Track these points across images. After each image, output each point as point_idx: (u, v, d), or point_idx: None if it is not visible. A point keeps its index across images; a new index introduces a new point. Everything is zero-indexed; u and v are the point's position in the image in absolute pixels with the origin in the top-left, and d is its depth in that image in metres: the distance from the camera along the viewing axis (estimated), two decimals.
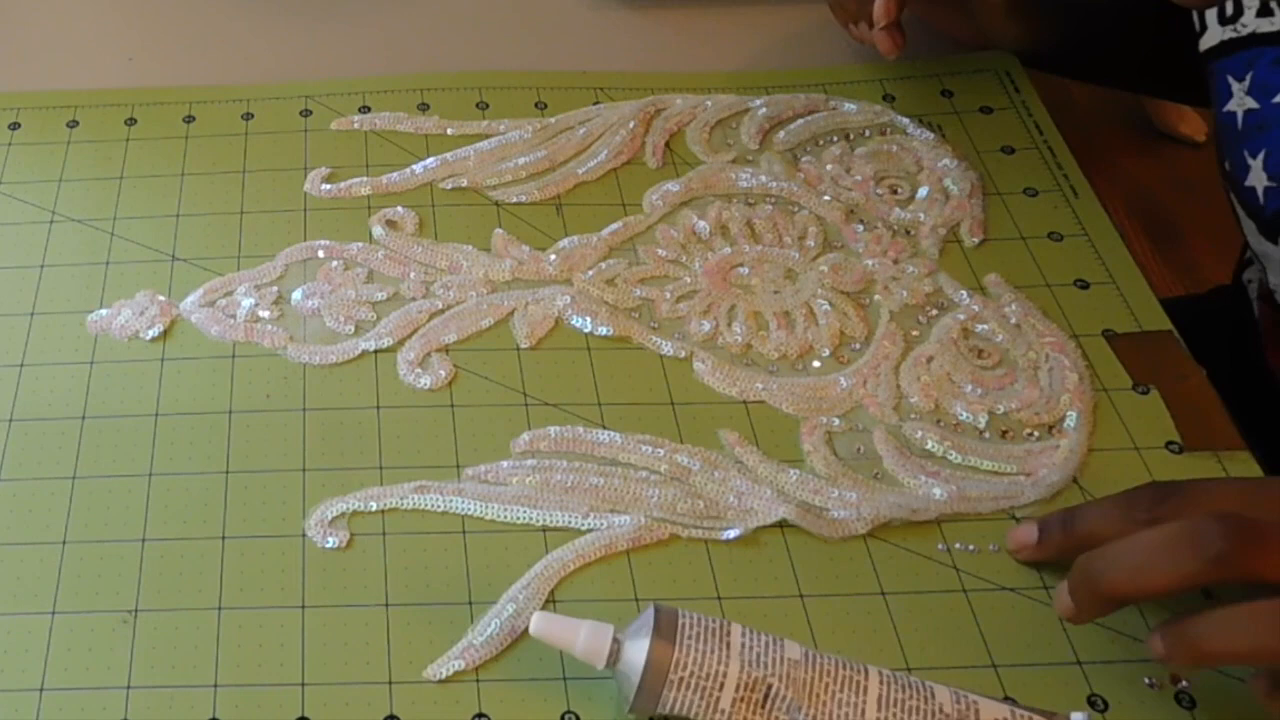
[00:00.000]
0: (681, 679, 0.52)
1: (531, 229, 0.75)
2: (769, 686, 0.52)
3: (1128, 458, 0.64)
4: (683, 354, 0.68)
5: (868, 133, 0.80)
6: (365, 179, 0.77)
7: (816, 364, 0.68)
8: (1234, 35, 0.71)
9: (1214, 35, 0.72)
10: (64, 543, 0.61)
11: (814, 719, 0.51)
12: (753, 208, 0.76)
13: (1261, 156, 0.70)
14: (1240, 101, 0.71)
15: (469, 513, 0.62)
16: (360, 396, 0.67)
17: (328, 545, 0.61)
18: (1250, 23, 0.70)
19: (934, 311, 0.70)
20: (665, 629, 0.52)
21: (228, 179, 0.78)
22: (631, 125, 0.80)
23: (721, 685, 0.52)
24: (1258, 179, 0.70)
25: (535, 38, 0.88)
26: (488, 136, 0.80)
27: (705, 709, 0.52)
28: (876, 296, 0.71)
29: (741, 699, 0.52)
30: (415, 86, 0.83)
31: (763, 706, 0.52)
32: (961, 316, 0.70)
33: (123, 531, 0.61)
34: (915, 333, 0.69)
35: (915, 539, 0.61)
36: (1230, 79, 0.72)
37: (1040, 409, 0.66)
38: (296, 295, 0.71)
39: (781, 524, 0.62)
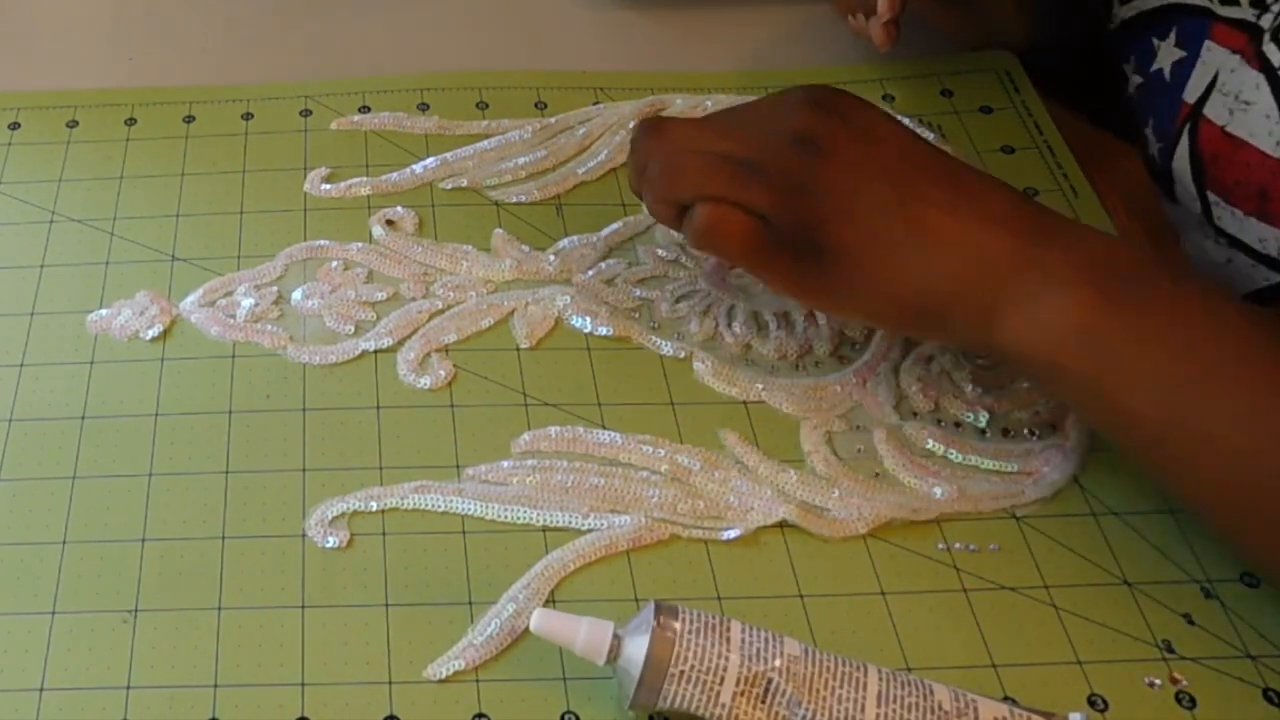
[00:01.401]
0: (682, 672, 0.52)
1: (531, 229, 0.75)
2: (769, 681, 0.52)
3: None
4: (682, 354, 0.69)
5: None
6: (365, 179, 0.77)
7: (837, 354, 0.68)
8: (1112, 26, 0.76)
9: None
10: (64, 543, 0.61)
11: (814, 714, 0.51)
12: None
13: (1150, 124, 0.73)
14: (1133, 82, 0.75)
15: (469, 513, 0.62)
16: (360, 396, 0.67)
17: (328, 545, 0.61)
18: (1119, 11, 0.75)
19: None
20: (666, 623, 0.52)
21: (228, 179, 0.78)
22: (631, 125, 0.80)
23: (722, 679, 0.52)
24: (1153, 146, 0.73)
25: (535, 38, 0.88)
26: (488, 136, 0.80)
27: (706, 703, 0.52)
28: None
29: (742, 693, 0.52)
30: (415, 86, 0.83)
31: (763, 701, 0.52)
32: None
33: (123, 531, 0.61)
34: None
35: (915, 539, 0.61)
36: (1125, 65, 0.75)
37: (1041, 408, 0.66)
38: (296, 295, 0.71)
39: (781, 524, 0.62)
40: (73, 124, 0.81)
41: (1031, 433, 0.65)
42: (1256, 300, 0.69)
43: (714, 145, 0.63)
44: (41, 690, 0.56)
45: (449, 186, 0.77)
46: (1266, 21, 0.66)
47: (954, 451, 0.64)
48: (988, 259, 0.59)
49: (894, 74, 0.84)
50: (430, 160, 0.78)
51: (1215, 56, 0.69)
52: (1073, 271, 0.58)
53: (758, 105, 0.66)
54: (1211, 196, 0.68)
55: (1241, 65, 0.67)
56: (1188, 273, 0.66)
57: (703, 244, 0.62)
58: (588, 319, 0.70)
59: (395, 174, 0.77)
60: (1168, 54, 0.72)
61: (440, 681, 0.56)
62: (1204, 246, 0.71)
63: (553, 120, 0.81)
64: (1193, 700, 0.56)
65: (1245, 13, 0.67)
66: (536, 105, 0.82)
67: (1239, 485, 0.55)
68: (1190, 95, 0.70)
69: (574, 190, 0.77)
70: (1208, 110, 0.68)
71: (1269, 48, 0.65)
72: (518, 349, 0.69)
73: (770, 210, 0.61)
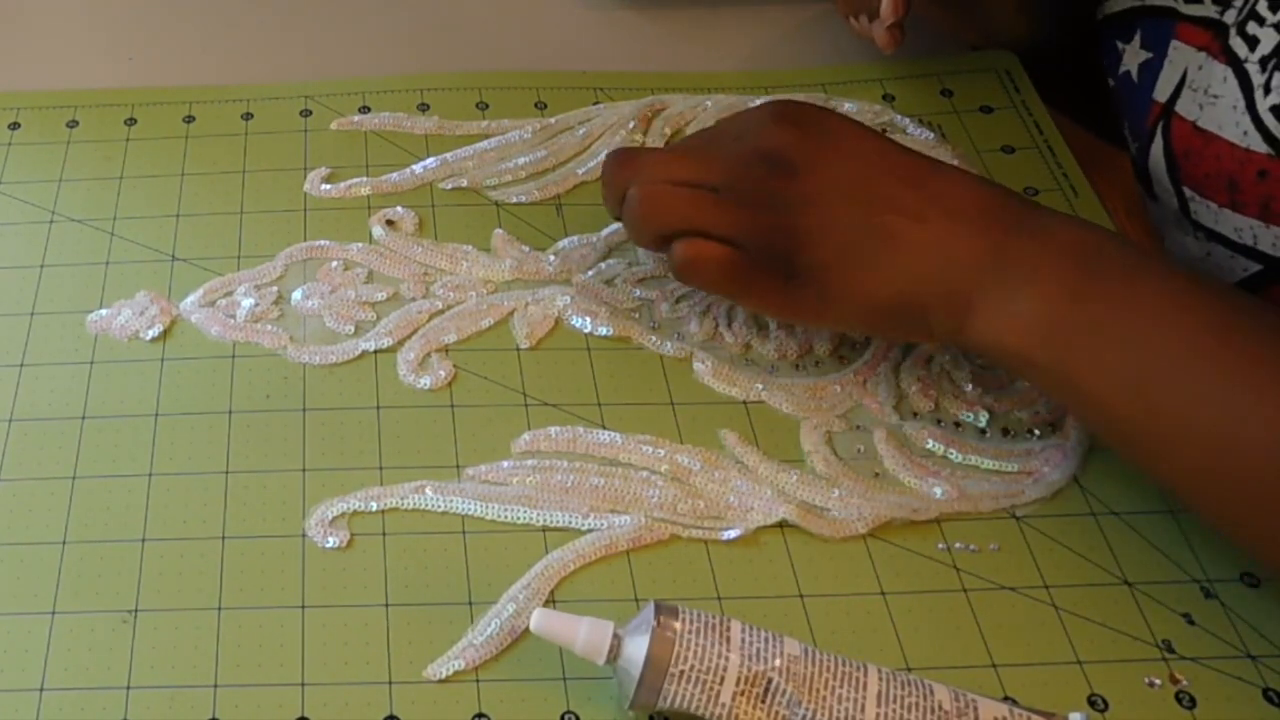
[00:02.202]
0: (682, 672, 0.52)
1: (531, 229, 0.75)
2: (769, 680, 0.52)
3: None
4: (682, 354, 0.69)
5: None
6: (365, 179, 0.77)
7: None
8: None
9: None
10: (64, 543, 0.61)
11: (814, 714, 0.51)
12: None
13: (1126, 125, 0.75)
14: (1110, 85, 0.76)
15: (469, 513, 0.62)
16: (360, 396, 0.67)
17: (328, 545, 0.61)
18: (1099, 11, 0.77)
19: None
20: (666, 623, 0.52)
21: (228, 179, 0.78)
22: (631, 125, 0.80)
23: (722, 679, 0.52)
24: (1131, 146, 0.74)
25: (535, 38, 0.88)
26: (488, 136, 0.80)
27: (706, 702, 0.52)
28: None
29: (742, 693, 0.52)
30: (415, 86, 0.83)
31: (763, 700, 0.52)
32: None
33: (123, 531, 0.61)
34: None
35: (915, 539, 0.61)
36: (1105, 65, 0.77)
37: (1041, 407, 0.66)
38: (296, 295, 0.71)
39: (781, 524, 0.62)
40: (73, 124, 0.81)
41: (1031, 432, 0.65)
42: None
43: (686, 174, 0.64)
44: (41, 690, 0.56)
45: (449, 186, 0.77)
46: (1230, 17, 0.68)
47: (954, 451, 0.64)
48: (958, 259, 0.60)
49: (894, 74, 0.84)
50: (430, 160, 0.78)
51: (1183, 55, 0.70)
52: (1039, 264, 0.59)
53: (726, 126, 0.67)
54: (1187, 191, 0.69)
55: (1209, 60, 0.68)
56: (1157, 255, 0.67)
57: (684, 279, 0.64)
58: (588, 319, 0.70)
59: (395, 174, 0.77)
60: (1133, 56, 0.73)
61: (440, 681, 0.56)
62: (1184, 243, 0.72)
63: (553, 120, 0.81)
64: (1193, 700, 0.56)
65: (1209, 10, 0.69)
66: (536, 105, 0.82)
67: (1217, 466, 0.56)
68: (1161, 94, 0.71)
69: (574, 190, 0.77)
70: (1179, 107, 0.70)
71: (1235, 41, 0.66)
72: (518, 349, 0.69)
73: (744, 235, 0.62)
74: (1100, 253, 0.60)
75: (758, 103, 0.69)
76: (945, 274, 0.60)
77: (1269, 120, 0.64)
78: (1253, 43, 0.66)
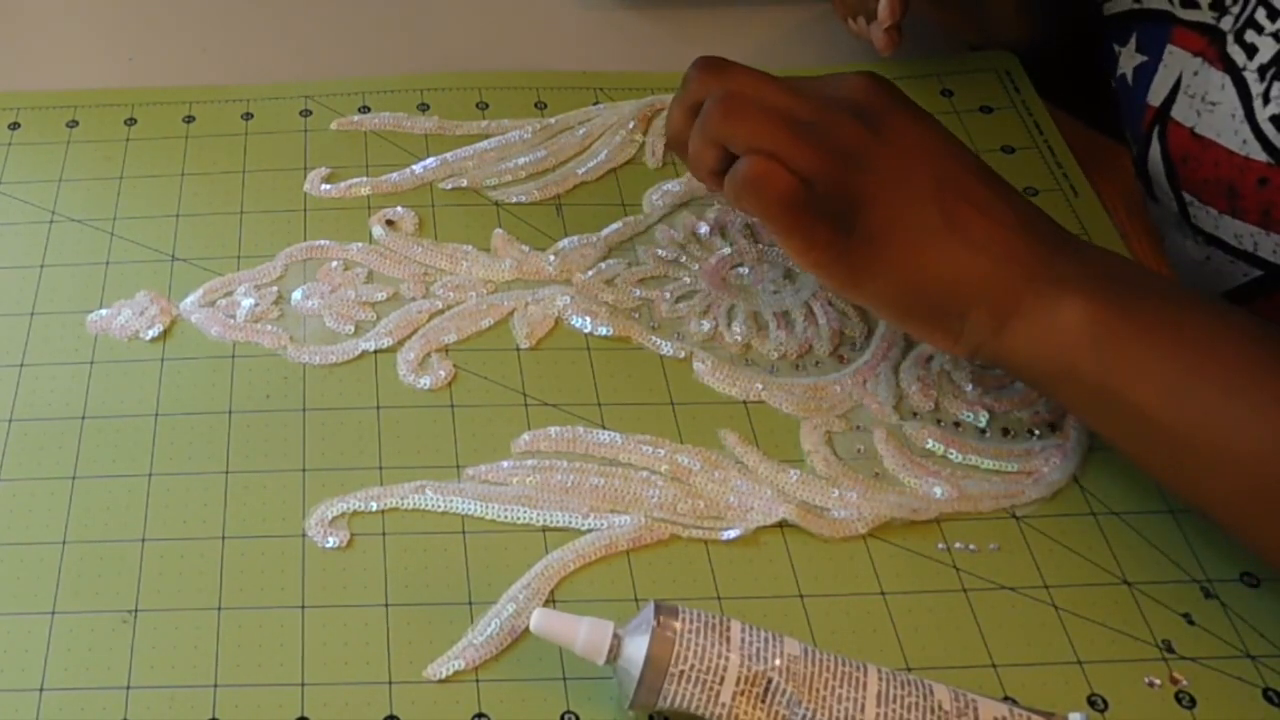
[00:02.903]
0: (682, 672, 0.52)
1: (531, 229, 0.75)
2: (769, 680, 0.52)
3: None
4: (682, 354, 0.69)
5: None
6: (365, 179, 0.77)
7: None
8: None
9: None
10: (64, 543, 0.61)
11: (814, 714, 0.51)
12: None
13: (1126, 129, 0.75)
14: (1112, 86, 0.76)
15: (469, 513, 0.62)
16: (360, 396, 0.67)
17: (328, 545, 0.61)
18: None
19: None
20: (666, 623, 0.52)
21: (228, 179, 0.78)
22: (631, 125, 0.80)
23: (722, 679, 0.52)
24: (1133, 148, 0.75)
25: (535, 38, 0.88)
26: (488, 136, 0.80)
27: (706, 702, 0.52)
28: None
29: (742, 692, 0.52)
30: (415, 86, 0.83)
31: (763, 700, 0.52)
32: None
33: (123, 531, 0.61)
34: None
35: (915, 539, 0.61)
36: (1104, 67, 0.77)
37: (1041, 408, 0.66)
38: (296, 295, 0.71)
39: (781, 524, 0.62)
40: (73, 124, 0.81)
41: (1031, 432, 0.65)
42: (1237, 296, 0.69)
43: (776, 98, 0.62)
44: (41, 690, 0.56)
45: (449, 186, 0.77)
46: (1226, 24, 0.68)
47: (954, 451, 0.64)
48: (1012, 261, 0.59)
49: (894, 74, 0.83)
50: (430, 160, 0.78)
51: (1178, 59, 0.70)
52: (1088, 279, 0.59)
53: (820, 77, 0.65)
54: (1186, 196, 0.69)
55: (1205, 67, 0.68)
56: (1190, 289, 0.66)
57: (742, 195, 0.61)
58: (588, 319, 0.70)
59: (395, 174, 0.77)
60: (1129, 59, 0.73)
61: (440, 681, 0.56)
62: (1184, 245, 0.72)
63: (553, 120, 0.81)
64: (1193, 700, 0.56)
65: (1205, 15, 0.69)
66: (536, 105, 0.82)
67: (1255, 488, 0.55)
68: (1154, 98, 0.71)
69: (574, 190, 0.77)
70: (1175, 113, 0.69)
71: (1233, 49, 0.66)
72: (518, 349, 0.69)
73: (817, 176, 0.60)
74: (1139, 272, 0.60)
75: None
76: (997, 274, 0.59)
77: (1269, 129, 0.64)
78: (1251, 50, 0.65)
